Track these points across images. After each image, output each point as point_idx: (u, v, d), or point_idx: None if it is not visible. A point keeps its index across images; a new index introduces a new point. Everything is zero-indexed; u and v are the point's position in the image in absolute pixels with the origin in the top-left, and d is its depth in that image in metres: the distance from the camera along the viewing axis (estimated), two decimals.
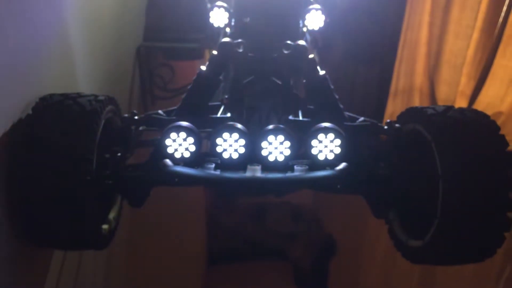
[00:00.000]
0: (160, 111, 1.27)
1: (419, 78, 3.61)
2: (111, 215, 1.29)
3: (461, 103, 3.61)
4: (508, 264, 2.40)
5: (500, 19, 3.29)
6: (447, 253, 1.10)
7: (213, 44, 1.88)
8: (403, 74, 3.59)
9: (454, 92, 3.58)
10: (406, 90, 3.65)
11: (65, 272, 1.39)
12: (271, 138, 1.05)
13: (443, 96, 3.61)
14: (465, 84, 3.58)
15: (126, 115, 1.27)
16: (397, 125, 1.23)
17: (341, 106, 1.22)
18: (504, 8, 3.26)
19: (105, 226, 1.21)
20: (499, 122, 3.51)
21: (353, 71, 3.42)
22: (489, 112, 3.53)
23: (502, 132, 3.16)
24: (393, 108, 3.66)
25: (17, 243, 1.11)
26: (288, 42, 1.22)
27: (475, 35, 3.40)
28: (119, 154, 1.23)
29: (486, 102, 3.55)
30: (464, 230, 1.05)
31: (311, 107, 1.28)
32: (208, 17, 1.57)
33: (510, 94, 3.52)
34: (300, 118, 1.26)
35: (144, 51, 2.11)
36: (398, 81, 3.61)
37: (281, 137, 1.05)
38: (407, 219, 1.24)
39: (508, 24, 3.28)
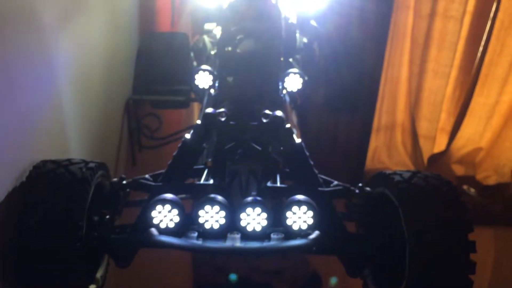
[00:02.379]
0: (147, 176, 1.35)
1: (401, 115, 3.73)
2: (99, 274, 1.35)
3: (442, 138, 3.74)
4: None
5: (477, 59, 3.44)
6: None
7: (199, 100, 1.97)
8: (385, 110, 3.70)
9: (434, 128, 3.70)
10: (388, 127, 3.76)
11: None
12: (249, 210, 1.15)
13: (424, 132, 3.73)
14: (445, 121, 3.72)
15: (114, 179, 1.35)
16: (367, 188, 1.32)
17: (316, 171, 1.31)
18: (480, 49, 3.41)
19: (92, 286, 1.28)
20: (479, 158, 3.66)
21: (335, 116, 3.52)
22: (469, 147, 3.68)
23: (481, 167, 3.24)
24: (376, 144, 3.77)
25: None
26: (267, 111, 1.31)
27: (453, 73, 3.54)
28: (107, 216, 1.31)
29: (466, 138, 3.69)
30: None
31: (288, 170, 1.37)
32: (194, 79, 1.66)
33: (488, 131, 3.65)
34: (278, 183, 1.35)
35: (132, 103, 2.20)
36: (381, 118, 3.72)
37: (258, 209, 1.15)
38: (380, 276, 1.33)
39: (484, 63, 3.43)
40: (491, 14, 3.31)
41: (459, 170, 3.72)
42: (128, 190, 1.38)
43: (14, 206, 1.14)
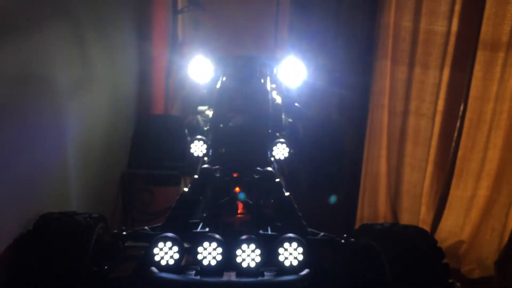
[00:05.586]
0: (146, 227, 1.43)
1: (382, 207, 3.78)
2: None
3: None
4: None
5: (450, 155, 3.59)
6: None
7: (192, 171, 2.09)
8: (367, 203, 3.77)
9: (416, 220, 3.73)
10: (370, 219, 3.81)
11: None
12: (244, 246, 1.23)
13: (406, 224, 3.75)
14: (425, 213, 3.76)
15: (115, 231, 1.42)
16: (352, 239, 1.41)
17: (304, 222, 1.41)
18: (453, 144, 3.57)
19: None
20: (461, 251, 3.64)
21: (320, 197, 3.60)
22: (451, 240, 3.68)
23: (465, 260, 3.21)
24: None
25: None
26: (258, 168, 1.44)
27: (429, 168, 3.63)
28: (105, 267, 1.37)
29: (447, 231, 3.71)
30: None
31: (279, 224, 1.46)
32: (189, 147, 1.80)
33: (468, 224, 3.68)
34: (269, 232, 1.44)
35: (127, 177, 2.31)
36: (363, 210, 3.77)
37: (253, 246, 1.23)
38: None
39: (458, 159, 3.56)
40: (460, 113, 3.50)
41: None
42: (126, 244, 1.45)
43: (20, 252, 1.21)
